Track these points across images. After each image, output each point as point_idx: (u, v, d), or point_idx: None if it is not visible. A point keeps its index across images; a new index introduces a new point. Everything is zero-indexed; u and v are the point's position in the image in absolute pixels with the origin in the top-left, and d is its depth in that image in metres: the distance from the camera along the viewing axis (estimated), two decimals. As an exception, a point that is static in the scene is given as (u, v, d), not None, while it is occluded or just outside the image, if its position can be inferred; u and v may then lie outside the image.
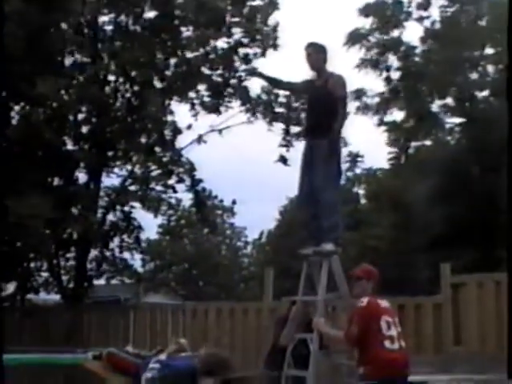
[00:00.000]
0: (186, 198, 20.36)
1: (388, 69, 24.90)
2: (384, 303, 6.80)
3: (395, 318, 6.79)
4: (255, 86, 18.78)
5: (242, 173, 50.63)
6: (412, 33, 30.19)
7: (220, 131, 19.20)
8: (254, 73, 17.30)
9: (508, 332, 8.34)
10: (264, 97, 18.78)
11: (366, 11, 24.77)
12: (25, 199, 15.29)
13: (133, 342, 13.23)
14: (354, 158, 25.24)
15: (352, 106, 24.15)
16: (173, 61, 18.70)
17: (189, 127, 18.88)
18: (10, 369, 12.09)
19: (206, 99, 19.05)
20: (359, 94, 24.85)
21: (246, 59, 18.76)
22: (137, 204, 18.60)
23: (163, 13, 18.08)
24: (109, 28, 18.66)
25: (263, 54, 18.70)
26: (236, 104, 19.08)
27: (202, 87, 19.01)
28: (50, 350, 12.67)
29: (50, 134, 16.33)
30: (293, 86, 9.38)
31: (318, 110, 8.50)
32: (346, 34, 24.80)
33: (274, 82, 9.67)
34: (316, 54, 8.51)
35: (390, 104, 25.03)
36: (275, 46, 18.65)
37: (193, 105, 19.00)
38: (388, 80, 24.92)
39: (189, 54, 18.53)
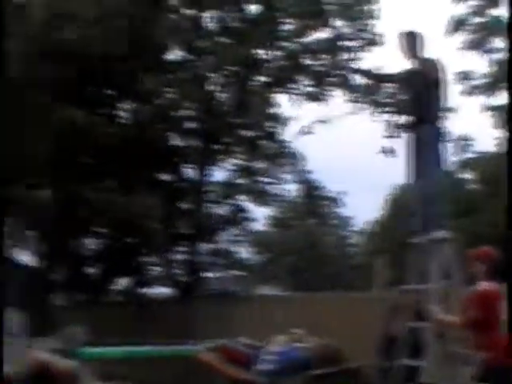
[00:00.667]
0: (294, 189, 20.37)
1: (493, 50, 24.29)
2: (498, 287, 6.68)
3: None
4: (359, 75, 18.65)
5: (348, 162, 50.26)
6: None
7: (325, 122, 19.13)
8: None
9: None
10: (367, 87, 18.57)
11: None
12: (135, 196, 15.65)
13: (245, 333, 13.38)
14: (464, 141, 24.68)
15: (457, 88, 23.71)
16: (274, 53, 18.74)
17: (294, 119, 18.89)
18: (125, 360, 12.45)
19: (309, 89, 18.99)
20: (464, 76, 24.31)
21: (349, 50, 18.64)
22: (244, 197, 18.73)
23: (264, 6, 18.15)
24: (211, 24, 18.83)
25: (366, 48, 18.53)
26: (340, 94, 19.00)
27: (304, 78, 18.97)
28: (164, 342, 12.93)
29: (156, 130, 16.66)
30: (392, 78, 9.32)
31: (417, 97, 8.45)
32: (447, 21, 24.34)
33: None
34: (410, 42, 8.44)
35: (496, 86, 24.42)
36: (376, 42, 18.48)
37: (295, 96, 18.98)
38: (493, 62, 24.31)
39: (290, 46, 18.56)
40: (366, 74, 18.28)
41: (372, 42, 18.51)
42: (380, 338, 8.68)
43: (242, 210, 19.08)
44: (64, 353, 5.92)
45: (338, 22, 18.54)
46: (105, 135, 15.92)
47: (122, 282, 19.52)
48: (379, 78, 17.99)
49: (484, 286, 6.56)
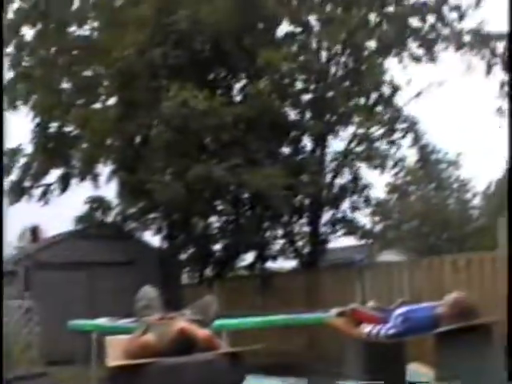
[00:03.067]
0: (411, 154, 20.21)
1: None
2: None
3: None
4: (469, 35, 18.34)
5: (463, 124, 49.42)
6: None
7: (438, 85, 18.91)
8: None
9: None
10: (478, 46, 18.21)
11: None
12: (259, 170, 15.97)
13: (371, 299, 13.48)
14: None
15: None
16: (383, 18, 18.66)
17: (408, 82, 18.75)
18: (255, 330, 12.79)
19: (420, 52, 18.82)
20: None
21: (458, 9, 18.37)
22: (363, 164, 18.77)
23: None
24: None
25: (477, 4, 18.22)
26: (451, 55, 18.74)
27: (413, 41, 18.82)
28: (291, 312, 13.19)
29: (273, 104, 16.92)
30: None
31: None
32: None
33: None
34: None
35: None
36: None
37: (407, 59, 18.86)
38: None
39: (399, 10, 18.44)
40: (476, 33, 18.01)
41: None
42: (508, 295, 8.64)
43: (360, 177, 19.10)
44: (200, 323, 6.17)
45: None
46: (224, 115, 16.27)
47: (247, 257, 19.88)
48: (489, 37, 17.68)
49: None
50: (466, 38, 18.13)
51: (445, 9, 18.41)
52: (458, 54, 18.43)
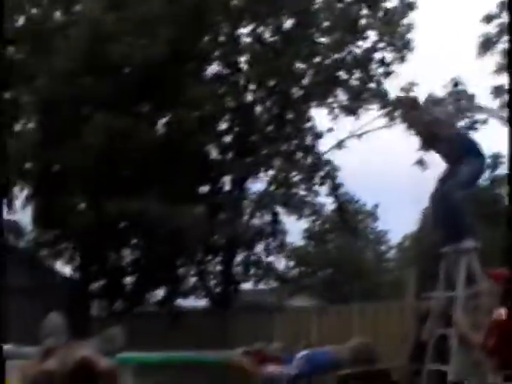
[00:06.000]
0: (330, 202, 20.46)
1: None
2: None
3: None
4: (394, 88, 18.83)
5: (383, 176, 50.09)
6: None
7: (359, 136, 19.27)
8: None
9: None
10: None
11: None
12: (180, 207, 15.89)
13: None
14: (495, 158, 24.78)
15: (492, 104, 23.79)
16: (310, 67, 19.01)
17: (329, 130, 19.05)
18: (154, 368, 12.67)
19: (345, 103, 19.18)
20: (499, 91, 24.28)
21: (383, 63, 18.87)
22: (281, 209, 18.91)
23: (299, 22, 18.43)
24: (247, 40, 19.16)
25: (402, 60, 18.75)
26: (375, 107, 19.14)
27: (339, 92, 19.20)
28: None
29: (197, 142, 16.97)
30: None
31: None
32: (479, 39, 24.44)
33: None
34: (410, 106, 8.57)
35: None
36: (410, 49, 18.72)
37: (332, 109, 19.16)
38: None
39: (326, 61, 18.83)
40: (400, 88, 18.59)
41: (407, 52, 18.75)
42: (411, 343, 8.85)
43: (278, 221, 19.23)
44: (103, 353, 6.14)
45: (372, 36, 18.79)
46: (147, 141, 16.19)
47: (158, 293, 19.71)
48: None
49: (503, 314, 6.57)
50: (391, 96, 18.68)
51: (371, 63, 18.93)
52: (382, 108, 18.93)
